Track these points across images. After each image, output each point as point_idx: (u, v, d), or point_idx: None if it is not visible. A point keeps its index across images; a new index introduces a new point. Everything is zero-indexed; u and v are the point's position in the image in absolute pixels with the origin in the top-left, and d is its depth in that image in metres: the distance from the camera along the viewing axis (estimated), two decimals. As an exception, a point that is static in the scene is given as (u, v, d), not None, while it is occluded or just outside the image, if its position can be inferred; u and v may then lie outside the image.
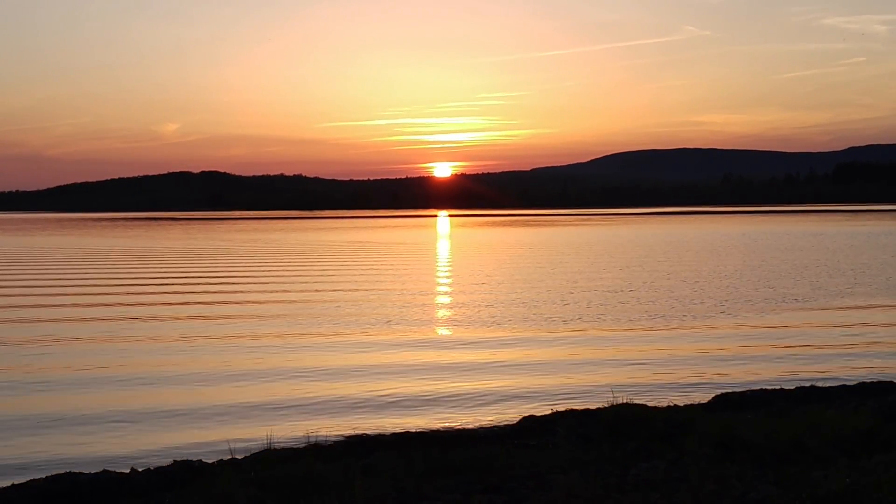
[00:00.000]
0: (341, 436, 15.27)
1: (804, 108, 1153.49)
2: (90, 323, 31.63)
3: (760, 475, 10.94)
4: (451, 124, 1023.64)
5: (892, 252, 67.46)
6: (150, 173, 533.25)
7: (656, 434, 13.04)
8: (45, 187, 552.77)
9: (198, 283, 47.76)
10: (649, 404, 15.55)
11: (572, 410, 15.76)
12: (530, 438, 13.96)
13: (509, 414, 17.61)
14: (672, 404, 16.53)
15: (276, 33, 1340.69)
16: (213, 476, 11.75)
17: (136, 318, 32.62)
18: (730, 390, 18.37)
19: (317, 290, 42.41)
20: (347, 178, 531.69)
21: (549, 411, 16.02)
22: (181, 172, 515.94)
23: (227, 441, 15.42)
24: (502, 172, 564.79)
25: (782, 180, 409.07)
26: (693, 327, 29.31)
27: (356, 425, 16.89)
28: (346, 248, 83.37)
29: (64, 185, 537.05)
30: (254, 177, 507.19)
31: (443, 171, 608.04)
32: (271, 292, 42.10)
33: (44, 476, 12.60)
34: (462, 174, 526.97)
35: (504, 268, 56.46)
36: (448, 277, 50.94)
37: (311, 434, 15.57)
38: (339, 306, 35.51)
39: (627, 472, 11.35)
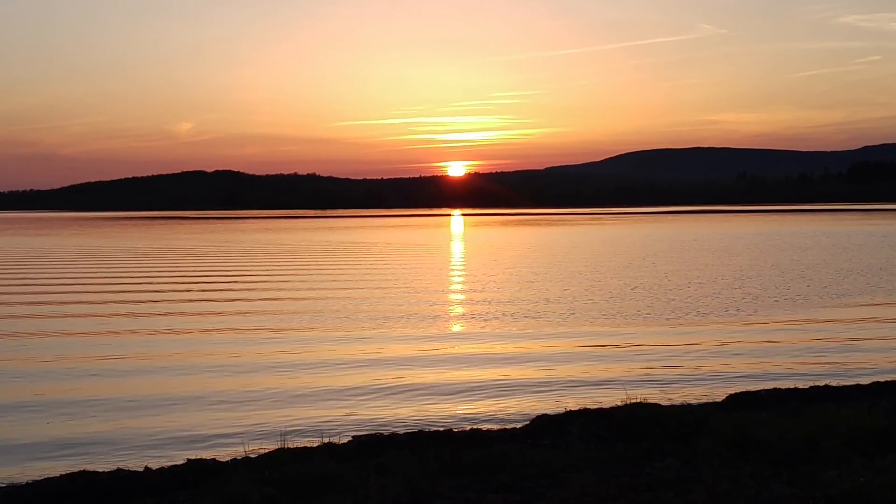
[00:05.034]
0: (354, 434, 15.29)
1: (819, 106, 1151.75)
2: (111, 318, 31.71)
3: (774, 474, 10.93)
4: (465, 123, 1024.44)
5: (906, 251, 67.28)
6: (164, 172, 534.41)
7: (670, 433, 13.03)
8: (59, 186, 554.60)
9: (216, 280, 47.87)
10: (662, 401, 15.56)
11: (585, 410, 15.75)
12: (543, 438, 13.96)
13: (521, 410, 17.65)
14: (685, 403, 16.52)
15: (292, 33, 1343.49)
16: (227, 475, 11.78)
17: (156, 314, 32.72)
18: (743, 389, 18.36)
19: (331, 288, 42.45)
20: (361, 178, 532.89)
21: (563, 410, 16.02)
22: (195, 171, 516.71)
23: (242, 439, 15.47)
24: (516, 171, 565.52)
25: (797, 179, 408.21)
26: (706, 325, 29.27)
27: (370, 416, 16.97)
28: (362, 248, 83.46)
29: (78, 184, 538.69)
30: (268, 176, 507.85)
31: (456, 170, 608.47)
32: (286, 290, 42.14)
33: (58, 470, 12.67)
34: (475, 173, 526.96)
35: (517, 266, 56.41)
36: (462, 275, 50.94)
37: (325, 429, 15.62)
38: (354, 303, 35.55)
39: (641, 471, 11.34)
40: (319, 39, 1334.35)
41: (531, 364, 22.94)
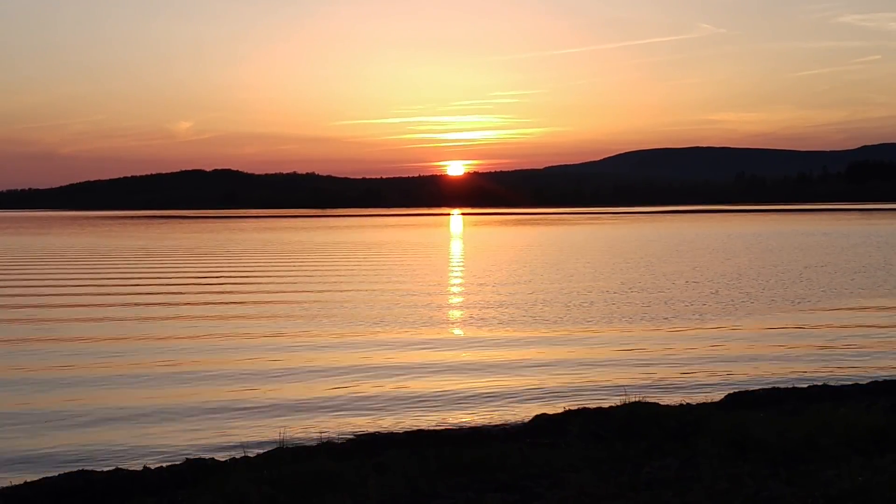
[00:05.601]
0: (354, 434, 15.29)
1: (818, 106, 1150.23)
2: (106, 322, 31.70)
3: (773, 474, 10.93)
4: (465, 122, 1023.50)
5: (905, 251, 67.29)
6: (164, 171, 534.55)
7: (669, 433, 13.04)
8: (58, 185, 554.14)
9: (211, 283, 47.87)
10: (661, 401, 15.55)
11: (585, 409, 15.76)
12: (543, 437, 13.97)
13: (521, 413, 17.61)
14: (684, 402, 16.51)
15: (292, 33, 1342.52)
16: (226, 474, 11.78)
17: (151, 318, 32.67)
18: (742, 388, 18.38)
19: (329, 290, 42.46)
20: (360, 177, 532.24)
21: (562, 410, 16.03)
22: (194, 170, 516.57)
23: (240, 439, 15.48)
24: (515, 171, 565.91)
25: (796, 179, 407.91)
26: (704, 325, 29.28)
27: (369, 424, 16.92)
28: (359, 248, 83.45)
29: (77, 183, 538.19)
30: (267, 175, 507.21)
31: (456, 169, 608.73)
32: (283, 292, 42.13)
33: (58, 473, 12.66)
34: (475, 172, 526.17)
35: (515, 267, 56.44)
36: (460, 277, 50.94)
37: (323, 432, 15.59)
38: (351, 306, 35.53)
39: (640, 470, 11.35)
40: (319, 39, 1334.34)
41: (530, 364, 22.94)
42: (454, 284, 45.55)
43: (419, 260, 65.07)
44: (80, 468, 12.83)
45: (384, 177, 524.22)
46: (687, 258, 62.06)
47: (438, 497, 10.56)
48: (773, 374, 21.37)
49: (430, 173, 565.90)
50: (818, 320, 30.49)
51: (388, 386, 20.30)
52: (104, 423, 17.22)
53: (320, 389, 19.94)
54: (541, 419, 15.49)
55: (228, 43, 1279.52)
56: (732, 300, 36.18)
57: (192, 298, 39.35)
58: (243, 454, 13.31)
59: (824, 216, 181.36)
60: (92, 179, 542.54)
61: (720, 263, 56.55)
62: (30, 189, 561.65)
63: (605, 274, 49.19)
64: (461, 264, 61.35)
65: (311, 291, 41.45)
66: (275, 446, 13.70)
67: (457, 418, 17.53)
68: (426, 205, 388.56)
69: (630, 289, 40.91)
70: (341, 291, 41.20)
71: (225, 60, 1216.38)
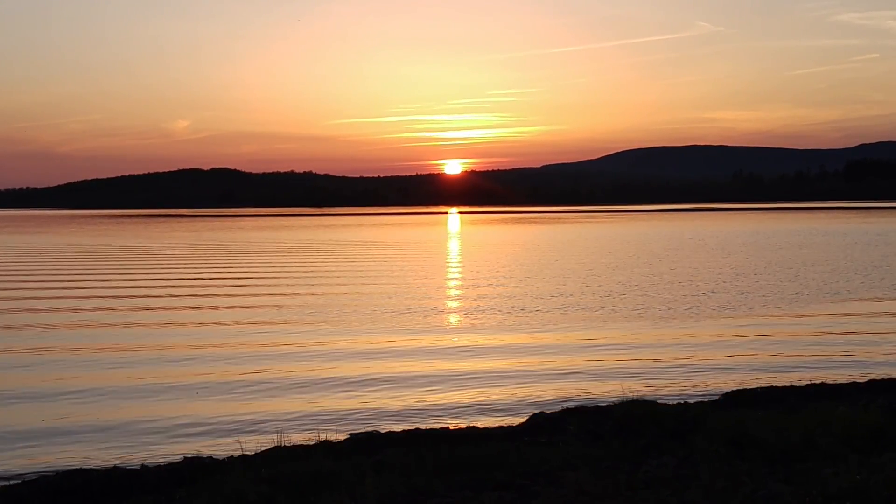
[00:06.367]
0: (351, 434, 15.23)
1: (816, 104, 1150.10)
2: (103, 329, 31.61)
3: (771, 472, 10.93)
4: (462, 121, 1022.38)
5: (903, 249, 67.34)
6: (161, 170, 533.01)
7: (667, 431, 13.04)
8: (55, 184, 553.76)
9: (209, 284, 47.85)
10: (659, 399, 15.56)
11: (582, 407, 15.76)
12: (540, 435, 13.96)
13: (518, 419, 17.55)
14: (682, 401, 16.50)
15: (289, 31, 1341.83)
16: (224, 473, 11.77)
17: (149, 324, 32.48)
18: (740, 387, 18.38)
19: (324, 293, 42.43)
20: (358, 175, 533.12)
21: (559, 408, 16.02)
22: (192, 169, 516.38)
23: (238, 438, 15.44)
24: (513, 169, 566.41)
25: (793, 177, 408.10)
26: (702, 324, 29.27)
27: (365, 429, 16.82)
28: (357, 248, 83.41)
29: (74, 182, 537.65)
30: (264, 174, 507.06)
31: (453, 167, 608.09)
32: (280, 294, 42.08)
33: (55, 472, 12.64)
34: (472, 171, 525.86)
35: (513, 267, 56.41)
36: (457, 279, 50.90)
37: (320, 433, 15.55)
38: (346, 310, 35.31)
39: (638, 469, 11.35)
40: (316, 37, 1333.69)
41: (527, 365, 22.92)
42: (450, 286, 45.45)
43: (416, 260, 65.04)
44: (78, 466, 12.81)
45: (381, 175, 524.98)
46: (684, 256, 62.05)
47: (436, 495, 10.55)
48: (771, 372, 21.34)
49: (428, 172, 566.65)
50: (816, 318, 30.50)
51: (385, 395, 19.94)
52: (102, 433, 17.02)
53: (317, 400, 19.63)
54: (538, 418, 15.48)
55: (225, 41, 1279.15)
56: (729, 299, 36.18)
57: (188, 302, 39.30)
58: (241, 453, 13.29)
59: (822, 214, 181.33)
60: (89, 178, 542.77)
61: (718, 262, 56.54)
62: (27, 188, 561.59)
63: (602, 272, 49.16)
64: (458, 264, 61.31)
65: (308, 294, 41.35)
66: (273, 445, 13.68)
67: (455, 425, 17.43)
68: (424, 203, 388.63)
69: (627, 288, 40.91)
70: (336, 294, 41.03)
71: (222, 59, 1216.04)
